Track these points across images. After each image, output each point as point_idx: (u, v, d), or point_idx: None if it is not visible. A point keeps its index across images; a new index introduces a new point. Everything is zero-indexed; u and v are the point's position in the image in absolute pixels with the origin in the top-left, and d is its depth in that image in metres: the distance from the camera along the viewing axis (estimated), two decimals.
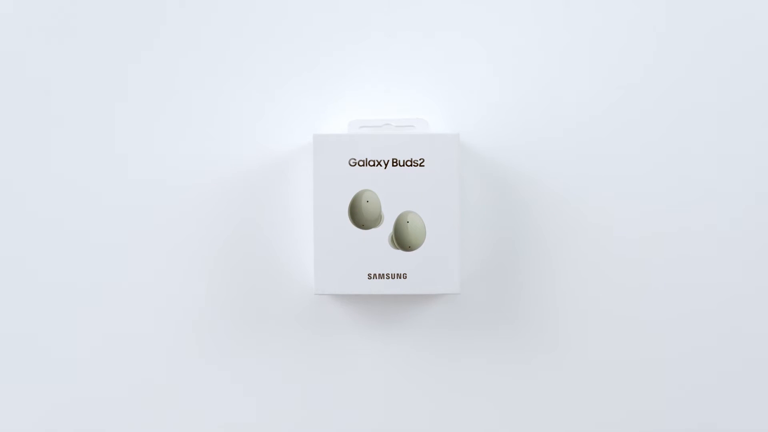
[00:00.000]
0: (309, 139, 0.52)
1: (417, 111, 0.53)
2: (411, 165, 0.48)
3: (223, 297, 0.52)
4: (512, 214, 0.53)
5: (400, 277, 0.49)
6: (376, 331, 0.53)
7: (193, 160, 0.53)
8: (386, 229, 0.49)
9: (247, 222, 0.52)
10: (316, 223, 0.49)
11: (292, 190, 0.52)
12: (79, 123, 0.53)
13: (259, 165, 0.52)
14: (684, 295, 0.52)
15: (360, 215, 0.48)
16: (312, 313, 0.52)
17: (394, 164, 0.48)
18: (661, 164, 0.52)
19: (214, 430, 0.52)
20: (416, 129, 0.51)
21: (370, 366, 0.53)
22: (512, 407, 0.53)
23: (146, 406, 0.53)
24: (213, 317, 0.52)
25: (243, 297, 0.52)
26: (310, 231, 0.52)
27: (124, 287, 0.53)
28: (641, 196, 0.52)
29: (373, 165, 0.48)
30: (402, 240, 0.49)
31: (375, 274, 0.49)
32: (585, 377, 0.53)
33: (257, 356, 0.52)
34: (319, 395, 0.53)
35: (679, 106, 0.52)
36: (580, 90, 0.53)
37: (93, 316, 0.53)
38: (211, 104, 0.53)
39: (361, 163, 0.48)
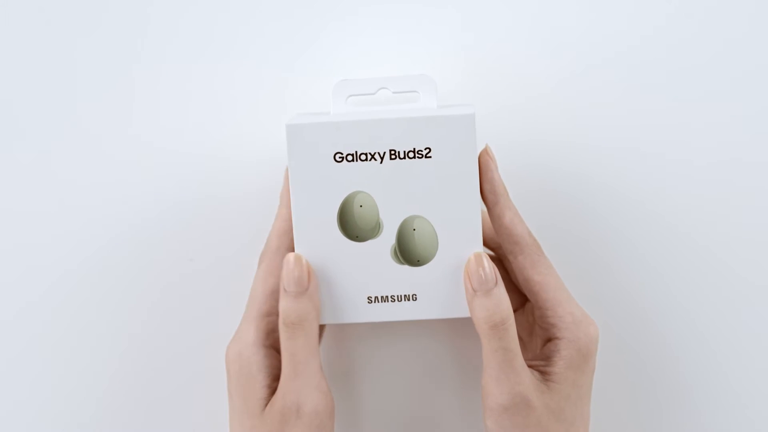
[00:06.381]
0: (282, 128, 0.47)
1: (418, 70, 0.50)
2: (414, 157, 0.42)
3: (215, 307, 0.53)
4: (535, 214, 0.50)
5: (409, 299, 0.44)
6: (377, 332, 0.53)
7: (192, 160, 0.53)
8: (387, 239, 0.43)
9: (247, 227, 0.52)
10: (298, 238, 0.43)
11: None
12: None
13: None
14: (692, 293, 0.54)
15: (353, 224, 0.44)
16: None
17: (393, 157, 0.42)
18: (663, 162, 0.53)
19: None
20: (421, 96, 0.45)
21: (370, 370, 0.53)
22: None
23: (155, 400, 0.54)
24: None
25: (240, 304, 0.49)
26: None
27: (122, 286, 0.54)
28: (653, 202, 0.53)
29: (366, 159, 0.42)
30: (408, 252, 0.44)
31: (377, 297, 0.44)
32: (597, 381, 0.50)
33: None
34: None
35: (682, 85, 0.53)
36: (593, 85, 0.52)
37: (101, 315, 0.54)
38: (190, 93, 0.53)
39: (349, 157, 0.42)
